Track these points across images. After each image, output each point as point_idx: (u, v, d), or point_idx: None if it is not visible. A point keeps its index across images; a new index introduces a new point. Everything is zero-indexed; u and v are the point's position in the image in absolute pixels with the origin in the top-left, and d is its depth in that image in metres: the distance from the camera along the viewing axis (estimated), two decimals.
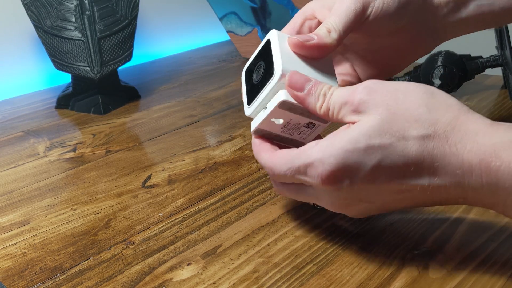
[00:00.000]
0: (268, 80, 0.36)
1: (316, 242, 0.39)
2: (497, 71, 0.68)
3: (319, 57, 0.37)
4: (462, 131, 0.31)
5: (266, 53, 0.38)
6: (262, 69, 0.38)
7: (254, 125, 0.38)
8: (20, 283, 0.36)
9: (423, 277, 0.35)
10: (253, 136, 0.39)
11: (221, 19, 0.91)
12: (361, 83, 0.33)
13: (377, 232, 0.40)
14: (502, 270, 0.35)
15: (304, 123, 0.37)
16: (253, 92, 0.38)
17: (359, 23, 0.38)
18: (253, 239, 0.40)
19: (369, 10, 0.38)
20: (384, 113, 0.31)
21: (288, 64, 0.36)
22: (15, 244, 0.40)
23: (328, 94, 0.34)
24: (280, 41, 0.37)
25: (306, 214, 0.43)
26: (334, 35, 0.36)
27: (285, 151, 0.35)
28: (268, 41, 0.37)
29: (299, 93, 0.34)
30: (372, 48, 0.43)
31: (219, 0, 0.89)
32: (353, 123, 0.33)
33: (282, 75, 0.35)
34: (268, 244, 0.39)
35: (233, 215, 0.43)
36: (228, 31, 0.92)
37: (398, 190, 0.32)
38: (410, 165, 0.31)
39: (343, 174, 0.32)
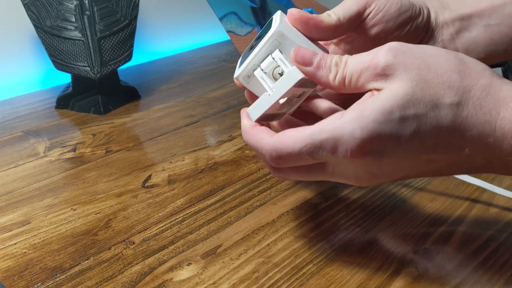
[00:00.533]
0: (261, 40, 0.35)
1: (316, 242, 0.39)
2: (497, 71, 0.68)
3: (317, 37, 0.37)
4: (495, 98, 0.30)
5: (267, 28, 0.37)
6: (260, 38, 0.37)
7: (257, 112, 0.34)
8: (20, 283, 0.36)
9: (423, 277, 0.35)
10: (244, 120, 0.36)
11: (221, 19, 0.91)
12: (382, 46, 0.31)
13: (377, 232, 0.40)
14: (502, 270, 0.35)
15: (298, 94, 0.35)
16: (246, 57, 0.37)
17: (361, 14, 0.38)
18: (253, 239, 0.40)
19: (372, 6, 0.38)
20: (416, 79, 0.30)
21: (286, 28, 0.35)
22: (15, 244, 0.40)
23: (341, 63, 0.32)
24: (282, 17, 0.36)
25: (306, 214, 0.43)
26: (334, 17, 0.37)
27: (294, 129, 0.32)
28: (271, 19, 0.37)
29: (308, 68, 0.33)
30: None
31: (219, 0, 0.89)
32: (378, 89, 0.31)
33: (277, 32, 0.34)
34: (268, 244, 0.39)
35: (233, 215, 0.43)
36: (228, 31, 0.92)
37: (426, 161, 0.31)
38: (443, 135, 0.30)
39: (375, 147, 0.30)
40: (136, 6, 0.72)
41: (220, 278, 0.36)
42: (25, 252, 0.39)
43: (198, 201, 0.46)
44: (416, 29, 0.40)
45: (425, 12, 0.40)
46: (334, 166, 0.33)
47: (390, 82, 0.30)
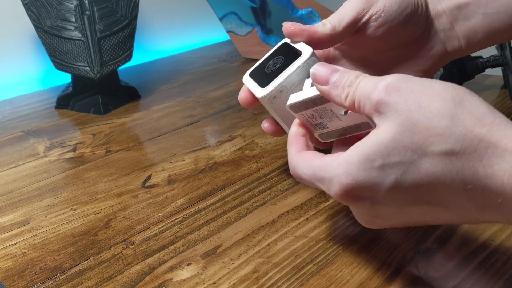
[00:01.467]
0: (292, 62, 0.35)
1: (316, 242, 0.39)
2: (497, 71, 0.68)
3: (313, 48, 0.37)
4: (498, 151, 0.26)
5: (283, 50, 0.37)
6: (281, 60, 0.36)
7: (294, 98, 0.34)
8: (20, 283, 0.36)
9: (423, 276, 0.35)
10: (295, 124, 0.37)
11: (221, 19, 0.91)
12: (386, 77, 0.29)
13: (377, 232, 0.40)
14: (502, 270, 0.35)
15: (340, 125, 0.35)
16: (268, 77, 0.36)
17: (358, 21, 0.38)
18: (253, 239, 0.40)
19: (371, 10, 0.38)
20: (405, 123, 0.28)
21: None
22: (15, 244, 0.40)
23: (355, 84, 0.31)
24: (305, 45, 0.37)
25: (306, 214, 0.43)
26: (328, 26, 0.37)
27: (310, 154, 0.33)
28: (285, 43, 0.37)
29: (323, 87, 0.32)
30: (377, 59, 0.42)
31: (219, 0, 0.89)
32: (376, 126, 0.30)
33: (312, 59, 0.35)
34: (268, 244, 0.39)
35: (233, 215, 0.43)
36: (228, 31, 0.92)
37: (423, 212, 0.30)
38: (437, 186, 0.27)
39: (361, 193, 0.30)
40: (136, 6, 0.72)
41: (220, 278, 0.36)
42: (25, 252, 0.39)
43: (198, 201, 0.46)
44: (418, 21, 0.40)
45: (423, 3, 0.40)
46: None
47: (383, 121, 0.29)
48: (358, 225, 0.41)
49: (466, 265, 0.36)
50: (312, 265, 0.37)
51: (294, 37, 0.38)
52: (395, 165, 0.28)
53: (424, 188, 0.28)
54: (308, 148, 0.35)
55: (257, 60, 0.91)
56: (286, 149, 0.55)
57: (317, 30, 0.37)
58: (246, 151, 0.55)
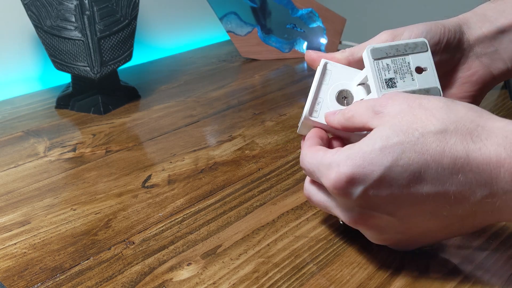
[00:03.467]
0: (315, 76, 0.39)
1: (316, 242, 0.39)
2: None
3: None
4: (487, 128, 0.30)
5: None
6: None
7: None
8: (20, 283, 0.36)
9: (423, 277, 0.35)
10: (314, 130, 0.39)
11: (221, 19, 0.91)
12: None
13: None
14: (502, 270, 0.35)
15: None
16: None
17: None
18: (253, 239, 0.40)
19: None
20: (406, 113, 0.31)
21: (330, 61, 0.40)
22: (15, 244, 0.40)
23: (354, 105, 0.35)
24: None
25: (306, 214, 0.43)
26: (346, 53, 0.40)
27: (319, 148, 0.35)
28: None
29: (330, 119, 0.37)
30: None
31: (219, 0, 0.89)
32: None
33: (323, 63, 0.39)
34: (268, 244, 0.39)
35: (233, 215, 0.43)
36: (228, 31, 0.92)
37: (417, 198, 0.31)
38: (430, 163, 0.30)
39: (356, 176, 0.31)
40: (136, 6, 0.71)
41: (220, 278, 0.36)
42: (25, 252, 0.39)
43: (198, 201, 0.46)
44: (450, 49, 0.40)
45: (455, 30, 0.39)
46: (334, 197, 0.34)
47: (381, 120, 0.32)
48: None
49: (467, 264, 0.36)
50: (312, 265, 0.37)
51: (313, 63, 0.40)
52: (394, 146, 0.30)
53: (419, 167, 0.30)
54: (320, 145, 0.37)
55: (257, 60, 0.91)
56: (286, 149, 0.55)
57: (334, 55, 0.40)
58: (246, 151, 0.55)
